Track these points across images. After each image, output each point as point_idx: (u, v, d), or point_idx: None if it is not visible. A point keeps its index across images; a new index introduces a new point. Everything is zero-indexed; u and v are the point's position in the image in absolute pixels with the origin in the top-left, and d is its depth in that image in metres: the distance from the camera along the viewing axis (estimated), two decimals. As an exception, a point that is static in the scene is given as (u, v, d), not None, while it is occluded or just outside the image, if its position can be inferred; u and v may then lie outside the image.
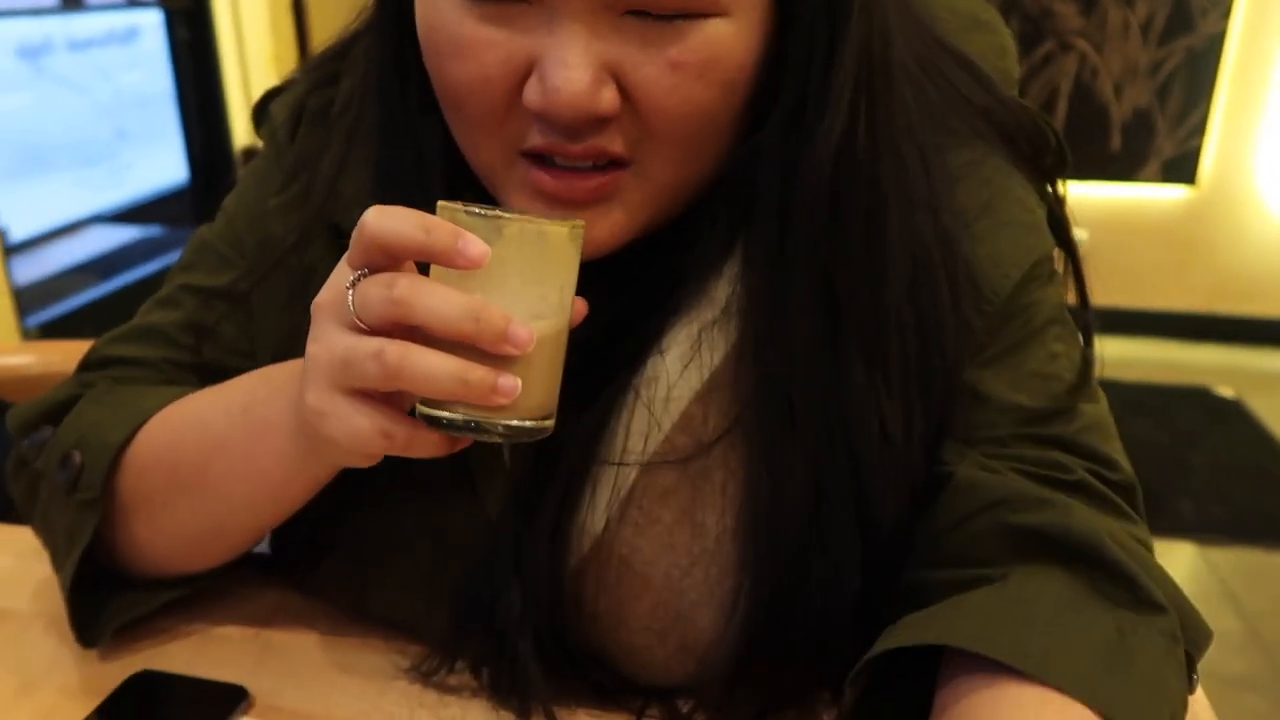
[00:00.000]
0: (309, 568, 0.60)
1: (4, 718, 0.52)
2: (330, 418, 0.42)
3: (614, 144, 0.44)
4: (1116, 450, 0.52)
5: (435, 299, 0.39)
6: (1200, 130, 3.14)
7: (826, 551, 0.48)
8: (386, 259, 0.41)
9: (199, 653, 0.57)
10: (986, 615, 0.43)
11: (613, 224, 0.47)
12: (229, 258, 0.61)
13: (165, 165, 3.33)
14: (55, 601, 0.56)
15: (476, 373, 0.39)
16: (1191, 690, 0.44)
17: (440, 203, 0.41)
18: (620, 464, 0.50)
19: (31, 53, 3.34)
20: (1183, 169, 3.19)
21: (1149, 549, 0.49)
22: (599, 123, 0.43)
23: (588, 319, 0.52)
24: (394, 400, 0.43)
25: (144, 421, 0.56)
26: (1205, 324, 3.31)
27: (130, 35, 3.59)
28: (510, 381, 0.40)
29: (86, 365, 0.63)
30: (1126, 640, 0.41)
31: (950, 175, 0.50)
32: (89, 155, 3.40)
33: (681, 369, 0.50)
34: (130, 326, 0.63)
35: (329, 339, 0.42)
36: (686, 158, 0.46)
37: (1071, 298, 0.55)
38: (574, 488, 0.51)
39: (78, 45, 3.59)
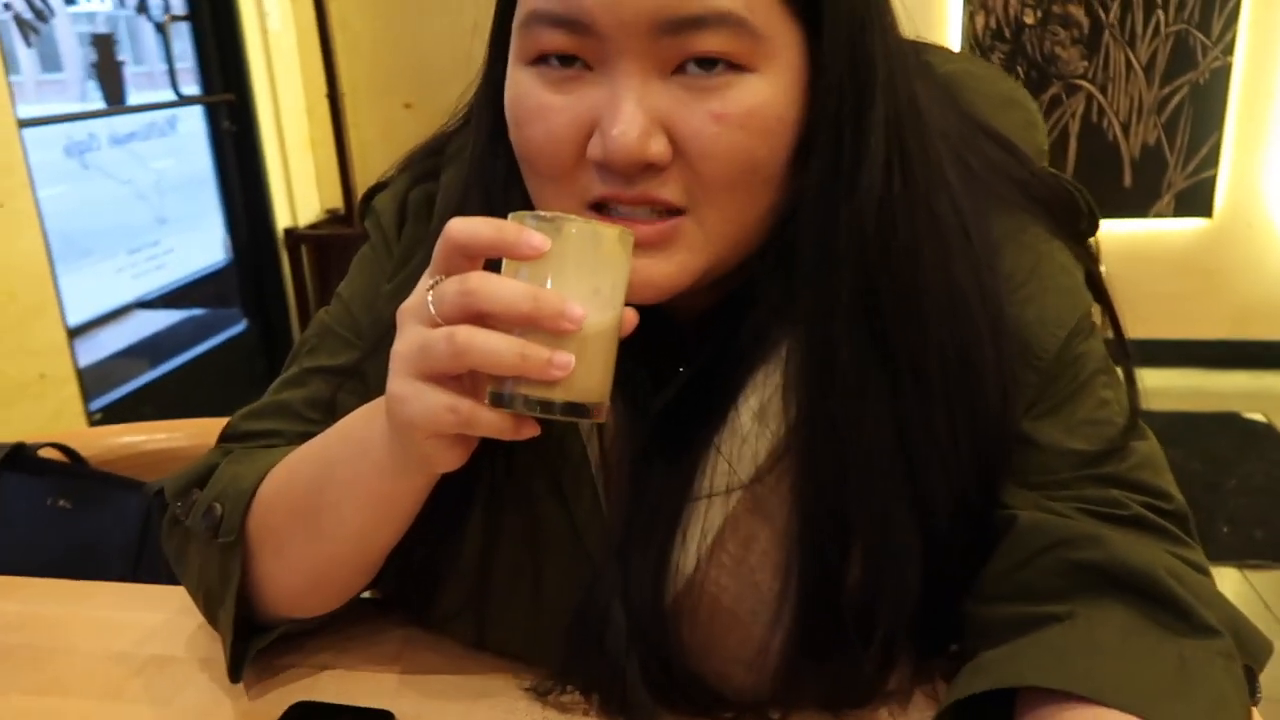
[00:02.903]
0: (426, 606, 0.66)
1: (181, 749, 0.59)
2: (408, 401, 0.48)
3: (666, 191, 0.49)
4: (1168, 482, 0.56)
5: (499, 285, 0.46)
6: (1211, 163, 3.21)
7: (884, 558, 0.54)
8: (464, 260, 0.48)
9: (344, 686, 0.64)
10: (1062, 653, 0.48)
11: (676, 266, 0.51)
12: (348, 340, 0.68)
13: (205, 248, 3.46)
14: (209, 648, 0.64)
15: (535, 348, 0.45)
16: (1255, 702, 0.49)
17: (512, 213, 0.49)
18: (707, 497, 0.56)
19: (77, 149, 3.50)
20: (1196, 201, 3.26)
21: (1204, 571, 0.53)
22: (652, 170, 0.49)
23: (671, 379, 0.59)
24: (467, 390, 0.49)
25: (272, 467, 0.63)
26: (1231, 351, 3.34)
27: (170, 126, 3.76)
28: (565, 357, 0.45)
29: (225, 438, 0.70)
30: (1187, 665, 0.46)
31: (994, 241, 0.55)
32: (132, 242, 3.54)
33: (754, 424, 0.56)
34: (262, 403, 0.70)
35: (410, 334, 0.49)
36: (738, 203, 0.51)
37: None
38: (667, 531, 0.57)
39: (119, 139, 3.76)
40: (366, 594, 0.71)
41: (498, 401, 0.47)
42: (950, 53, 0.65)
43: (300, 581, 0.62)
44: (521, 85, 0.52)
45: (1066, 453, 0.55)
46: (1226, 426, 2.91)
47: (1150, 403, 0.58)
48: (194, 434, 1.02)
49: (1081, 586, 0.51)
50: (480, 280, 0.47)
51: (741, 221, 0.52)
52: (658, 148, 0.49)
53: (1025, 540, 0.53)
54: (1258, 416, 2.95)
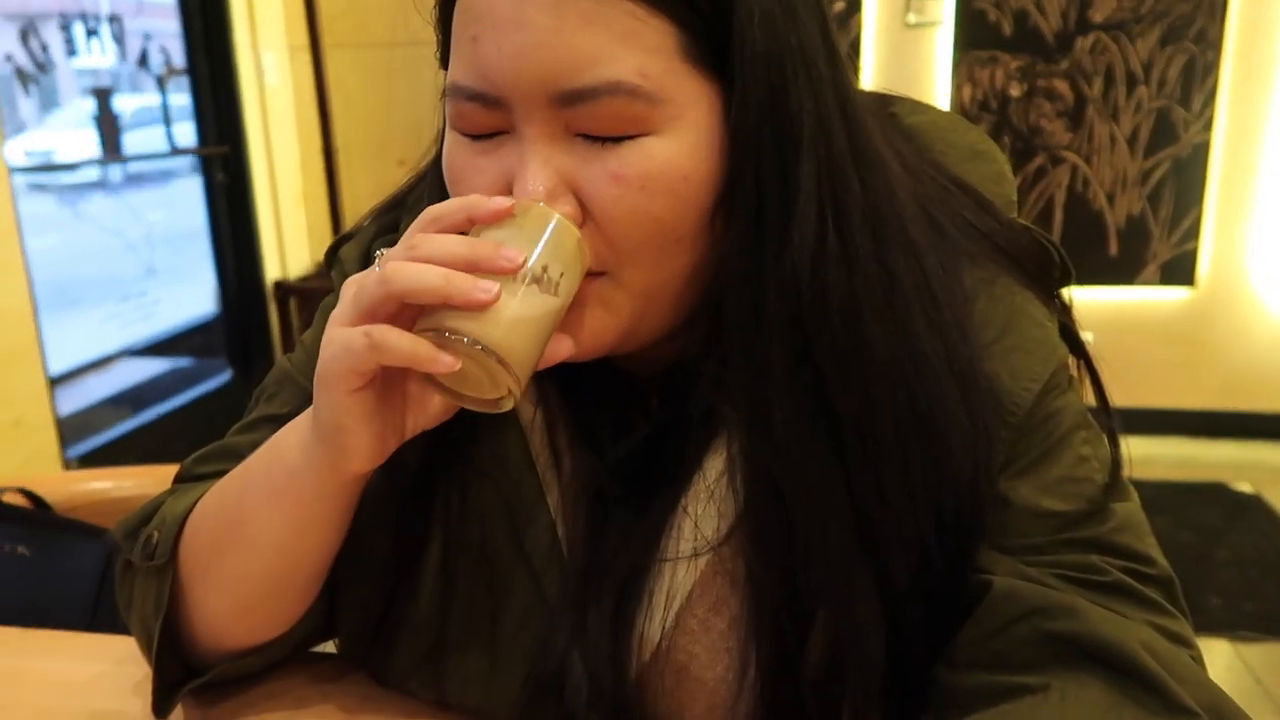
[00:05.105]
0: (384, 662, 0.63)
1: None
2: (330, 344, 0.48)
3: None
4: (1151, 546, 0.54)
5: (441, 238, 0.47)
6: (1194, 234, 3.26)
7: (845, 630, 0.51)
8: (435, 231, 0.49)
9: (296, 745, 0.61)
10: None
11: (598, 325, 0.51)
12: (306, 388, 0.65)
13: (194, 299, 3.46)
14: (156, 701, 0.61)
15: (461, 274, 0.46)
16: None
17: None
18: (673, 560, 0.55)
19: (71, 198, 3.52)
20: (1180, 271, 3.29)
21: (1187, 642, 0.51)
22: None
23: (631, 434, 0.57)
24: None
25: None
26: (1217, 421, 3.34)
27: (165, 177, 3.78)
28: (489, 283, 0.45)
29: (178, 480, 0.69)
30: None
31: (964, 293, 0.54)
32: (121, 292, 3.54)
33: (720, 487, 0.54)
34: (214, 447, 0.69)
35: (347, 293, 0.49)
36: (653, 263, 0.50)
37: (1091, 401, 0.58)
38: (630, 591, 0.55)
39: (114, 188, 3.78)
40: (330, 647, 0.68)
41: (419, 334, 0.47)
42: (916, 104, 0.64)
43: (227, 604, 0.60)
44: (451, 147, 0.53)
45: (1043, 514, 0.53)
46: (1215, 497, 2.89)
47: (1137, 472, 0.56)
48: (162, 480, 0.99)
49: (1056, 658, 0.49)
50: (424, 236, 0.48)
51: (659, 281, 0.51)
52: (565, 209, 0.49)
53: (1000, 607, 0.51)
54: (1245, 487, 2.94)
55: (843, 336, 0.50)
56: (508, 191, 0.50)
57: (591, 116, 0.48)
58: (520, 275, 0.46)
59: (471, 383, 0.48)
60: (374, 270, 0.49)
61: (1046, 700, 0.47)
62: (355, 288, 0.48)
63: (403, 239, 0.50)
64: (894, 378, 0.51)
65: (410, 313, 0.48)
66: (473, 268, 0.46)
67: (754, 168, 0.49)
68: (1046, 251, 0.59)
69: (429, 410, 0.53)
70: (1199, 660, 0.52)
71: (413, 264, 0.46)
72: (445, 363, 0.46)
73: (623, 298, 0.51)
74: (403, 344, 0.46)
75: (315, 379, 0.50)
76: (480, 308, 0.45)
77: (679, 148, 0.48)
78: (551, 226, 0.47)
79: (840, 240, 0.50)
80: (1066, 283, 0.60)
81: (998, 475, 0.53)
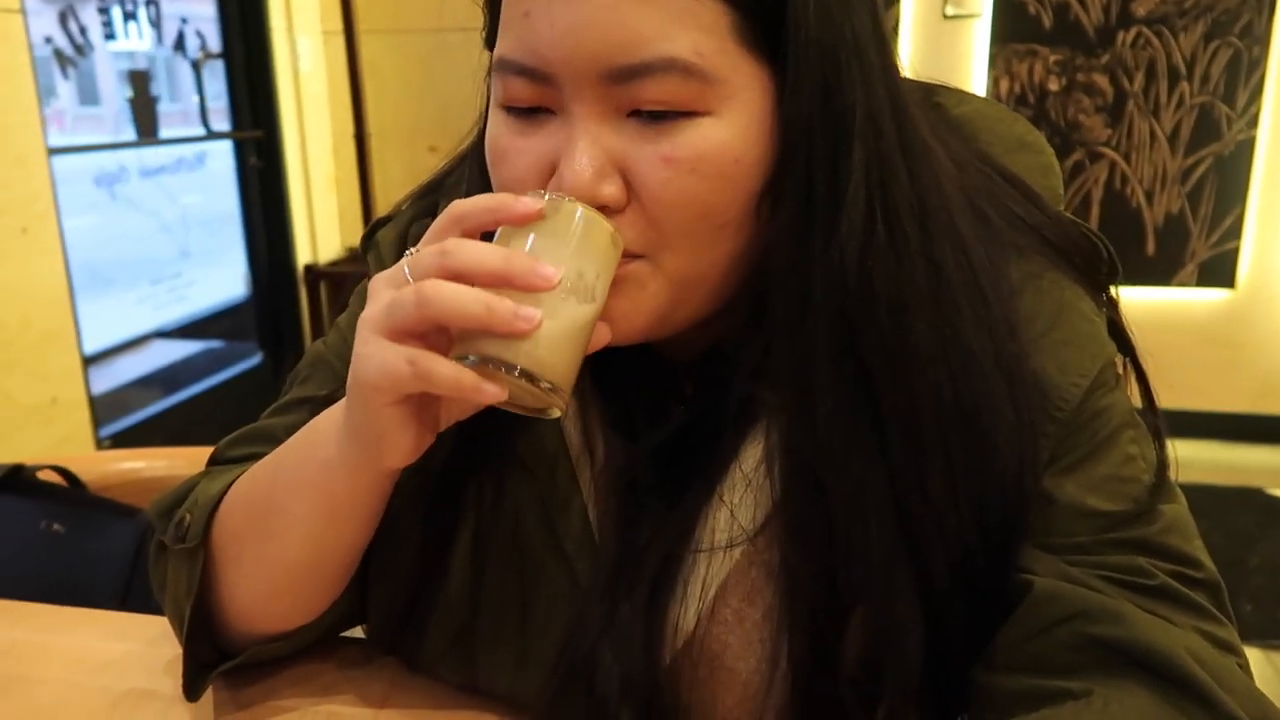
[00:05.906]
0: (415, 647, 0.63)
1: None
2: (367, 359, 0.47)
3: (623, 235, 0.48)
4: (1199, 549, 0.53)
5: (475, 248, 0.46)
6: (1235, 234, 3.19)
7: (883, 627, 0.50)
8: (458, 233, 0.48)
9: (325, 728, 0.61)
10: None
11: (630, 306, 0.50)
12: (339, 371, 0.66)
13: (226, 282, 3.49)
14: (190, 681, 0.61)
15: (502, 300, 0.45)
16: None
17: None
18: (709, 550, 0.54)
19: (108, 180, 3.55)
20: (1220, 272, 3.23)
21: (1234, 649, 0.50)
22: (608, 213, 0.48)
23: (666, 422, 0.57)
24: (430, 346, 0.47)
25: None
26: (1254, 425, 3.28)
27: (199, 161, 3.81)
28: (531, 311, 0.44)
29: (212, 462, 0.69)
30: None
31: (1011, 289, 0.53)
32: (155, 273, 3.57)
33: (757, 476, 0.54)
34: (248, 429, 0.69)
35: (379, 298, 0.48)
36: (696, 248, 0.50)
37: (1137, 400, 0.57)
38: (664, 580, 0.55)
39: (149, 172, 3.81)
40: (359, 632, 0.68)
41: (460, 360, 0.46)
42: (963, 94, 0.63)
43: (258, 589, 0.61)
44: (495, 126, 0.52)
45: (1088, 513, 0.52)
46: (1249, 502, 2.84)
47: (1171, 475, 0.54)
48: (195, 461, 1.01)
49: (1099, 664, 0.48)
50: (456, 243, 0.47)
51: (703, 266, 0.51)
52: (611, 189, 0.48)
53: (1041, 609, 0.50)
54: (1281, 493, 2.89)
55: (889, 330, 0.49)
56: (550, 174, 0.49)
57: (645, 94, 0.47)
58: (558, 290, 0.46)
59: (516, 396, 0.48)
60: (406, 274, 0.48)
61: (1089, 707, 0.46)
62: (389, 297, 0.47)
63: (429, 235, 0.50)
64: (939, 373, 0.50)
65: (447, 331, 0.48)
66: (507, 282, 0.45)
67: (805, 155, 0.48)
68: (1095, 246, 0.57)
69: (465, 405, 0.53)
70: (1246, 668, 0.50)
71: (450, 287, 0.45)
72: (491, 393, 0.46)
73: (660, 281, 0.51)
74: (447, 374, 0.45)
75: (349, 385, 0.50)
76: (522, 337, 0.45)
77: (732, 130, 0.48)
78: (584, 226, 0.46)
79: (888, 231, 0.49)
80: (1114, 279, 0.59)
81: (1043, 472, 0.52)
